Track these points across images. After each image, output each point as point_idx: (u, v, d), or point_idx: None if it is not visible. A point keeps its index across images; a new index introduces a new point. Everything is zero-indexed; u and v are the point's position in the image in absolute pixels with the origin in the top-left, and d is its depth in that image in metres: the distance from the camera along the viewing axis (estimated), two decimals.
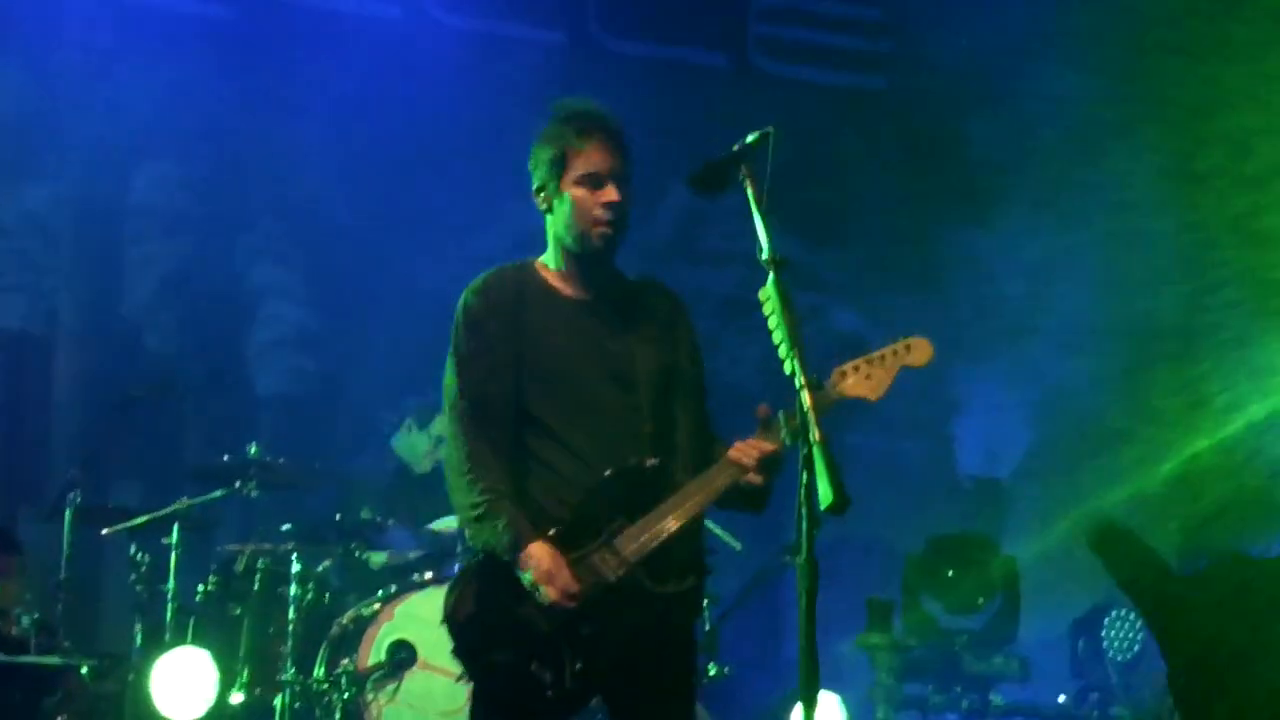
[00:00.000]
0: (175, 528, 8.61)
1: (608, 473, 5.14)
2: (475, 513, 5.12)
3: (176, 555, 8.63)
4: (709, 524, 8.26)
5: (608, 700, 5.26)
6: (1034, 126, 11.49)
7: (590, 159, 5.24)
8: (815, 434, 4.28)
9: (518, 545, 5.05)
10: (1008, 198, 11.38)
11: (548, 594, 5.02)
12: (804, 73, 11.65)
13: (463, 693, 7.18)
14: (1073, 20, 11.40)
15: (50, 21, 9.84)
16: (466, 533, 5.25)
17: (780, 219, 4.64)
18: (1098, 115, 11.55)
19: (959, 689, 9.37)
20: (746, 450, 5.10)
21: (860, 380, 5.27)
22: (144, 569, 8.67)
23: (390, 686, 7.76)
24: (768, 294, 4.56)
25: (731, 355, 9.44)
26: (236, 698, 8.38)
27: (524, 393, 5.22)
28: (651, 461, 5.18)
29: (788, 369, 4.42)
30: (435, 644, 7.77)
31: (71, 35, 9.85)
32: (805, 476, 4.27)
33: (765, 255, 4.59)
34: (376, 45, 10.34)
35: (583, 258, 5.29)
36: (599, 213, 5.22)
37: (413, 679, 7.82)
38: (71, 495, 8.65)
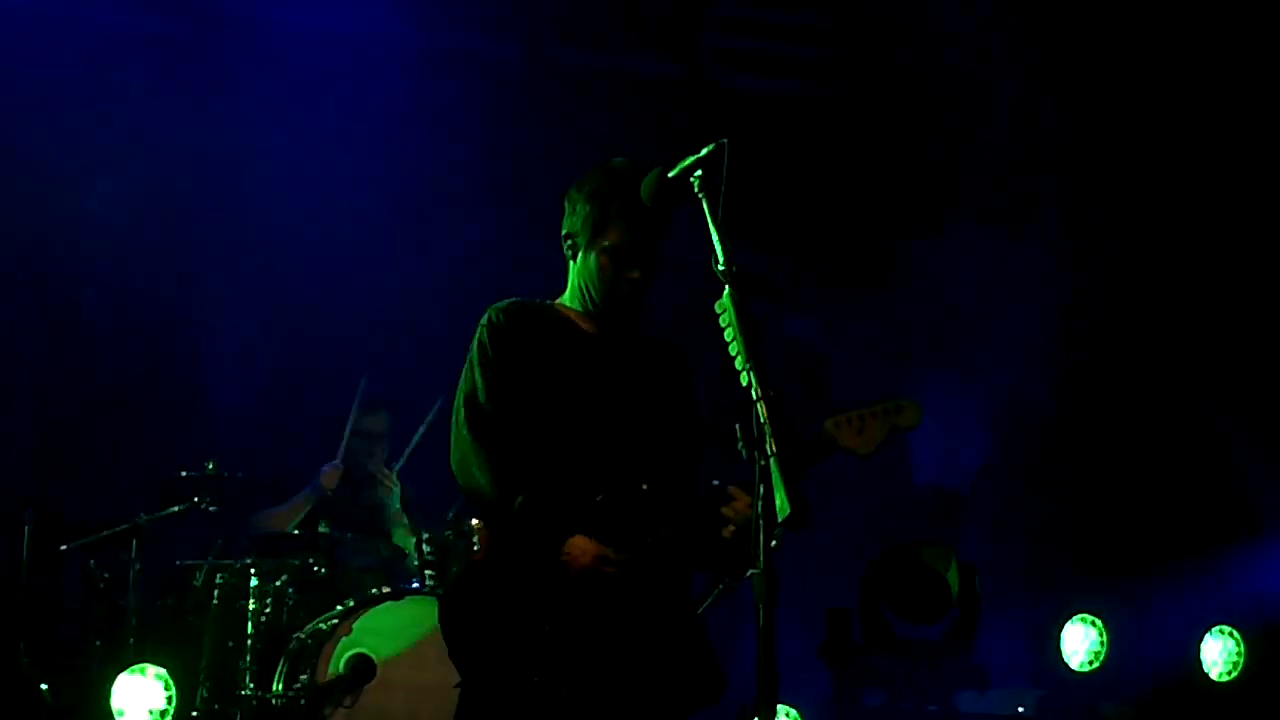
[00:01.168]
0: (134, 543, 8.60)
1: (600, 497, 5.23)
2: (511, 512, 5.18)
3: (135, 570, 8.62)
4: None
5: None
6: (987, 135, 11.54)
7: (625, 235, 5.35)
8: (772, 446, 4.30)
9: (562, 537, 5.14)
10: (961, 207, 11.43)
11: (607, 571, 5.10)
12: (758, 83, 11.66)
13: (423, 707, 7.23)
14: (1025, 31, 11.46)
15: (1, 38, 9.80)
16: (500, 529, 5.30)
17: (734, 228, 4.66)
18: (1049, 124, 11.61)
19: (919, 698, 9.39)
20: (740, 509, 5.14)
21: (853, 434, 5.32)
22: (102, 584, 8.66)
23: (349, 700, 7.75)
24: (724, 306, 4.57)
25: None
26: (195, 713, 8.38)
27: (534, 415, 5.31)
28: (644, 488, 5.27)
29: (744, 381, 4.43)
30: (394, 658, 7.83)
31: (25, 50, 9.79)
32: (762, 489, 4.30)
33: (721, 267, 4.61)
34: (327, 59, 10.32)
35: (601, 309, 5.43)
36: (620, 286, 5.38)
37: (371, 693, 7.82)
38: (29, 511, 8.63)
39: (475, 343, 5.39)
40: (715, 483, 5.31)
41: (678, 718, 5.34)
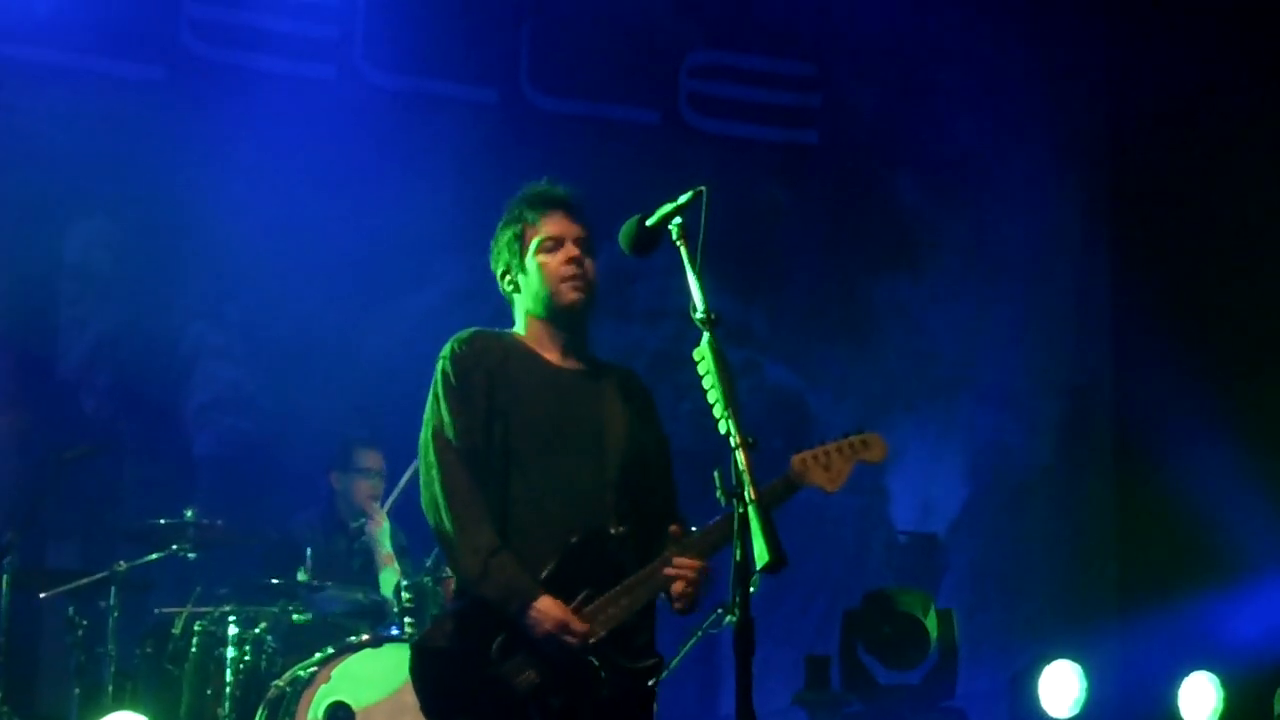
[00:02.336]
0: (113, 590, 8.58)
1: (574, 539, 5.22)
2: (477, 566, 5.15)
3: (114, 618, 8.60)
4: None
5: None
6: (962, 180, 11.59)
7: (548, 228, 5.39)
8: (750, 493, 4.32)
9: (528, 598, 5.10)
10: (937, 251, 11.47)
11: (567, 641, 5.07)
12: (735, 128, 11.69)
13: None
14: (998, 76, 11.53)
15: None
16: (466, 582, 5.27)
17: (712, 274, 4.68)
18: (1024, 169, 11.68)
19: None
20: (683, 568, 5.19)
21: (819, 470, 5.42)
22: (81, 631, 8.62)
23: None
24: (702, 353, 4.60)
25: (666, 412, 9.45)
26: None
27: (500, 448, 5.29)
28: (618, 529, 5.27)
29: (723, 428, 4.45)
30: (372, 706, 7.81)
31: (2, 98, 9.80)
32: (740, 536, 4.31)
33: (700, 314, 4.63)
34: (309, 105, 10.34)
35: (557, 321, 5.42)
36: (564, 270, 5.36)
37: None
38: (6, 559, 8.60)
39: (439, 373, 5.35)
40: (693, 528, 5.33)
41: None
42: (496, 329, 5.51)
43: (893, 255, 11.52)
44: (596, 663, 5.14)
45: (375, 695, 7.83)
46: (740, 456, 4.38)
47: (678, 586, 5.19)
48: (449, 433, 5.27)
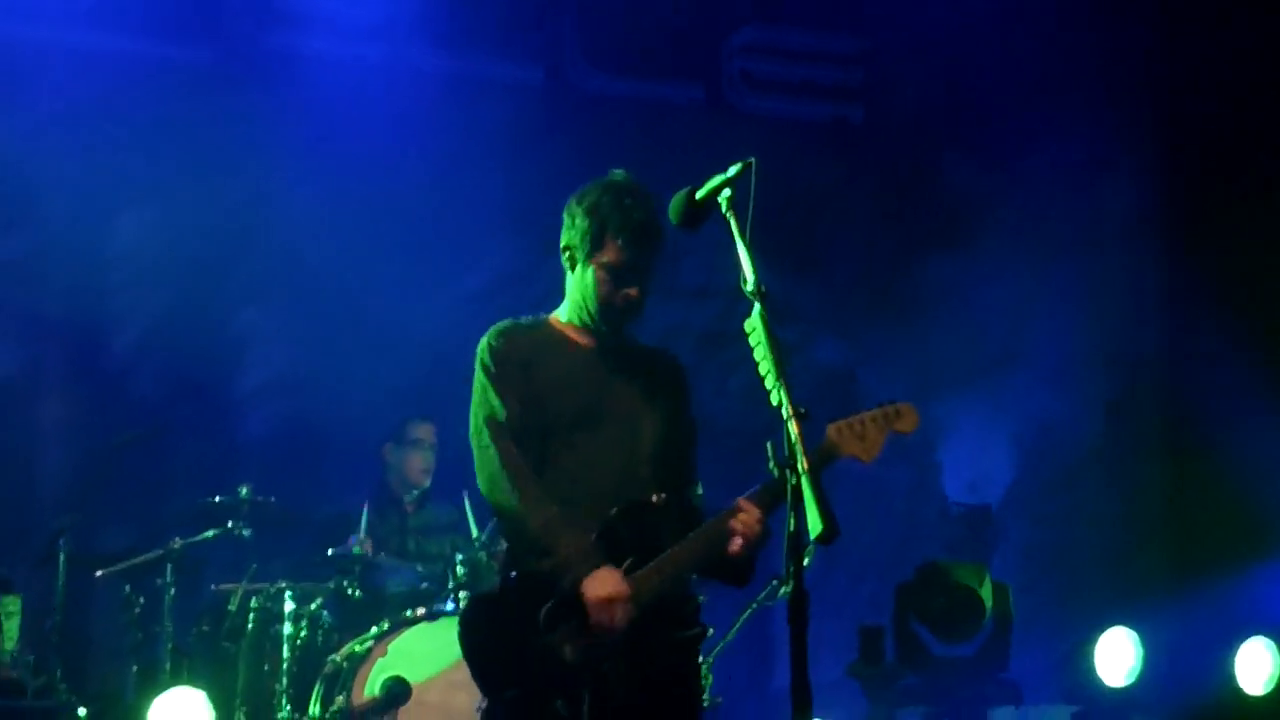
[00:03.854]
0: (169, 569, 8.64)
1: (615, 510, 5.25)
2: (548, 535, 5.19)
3: (170, 596, 8.66)
4: None
5: None
6: (1013, 157, 11.54)
7: (622, 252, 5.38)
8: (803, 464, 4.32)
9: (593, 563, 5.14)
10: (987, 228, 11.43)
11: (618, 614, 5.09)
12: (781, 106, 11.69)
13: None
14: (1051, 53, 11.47)
15: (28, 69, 9.84)
16: (530, 552, 5.29)
17: (760, 252, 4.68)
18: (1078, 146, 11.62)
19: (954, 716, 9.38)
20: (749, 516, 5.20)
21: (854, 440, 5.39)
22: (138, 610, 8.69)
23: None
24: (753, 325, 4.59)
25: (714, 388, 9.46)
26: None
27: (538, 430, 5.36)
28: (659, 498, 5.32)
29: (774, 399, 4.44)
30: (429, 680, 7.85)
31: (52, 82, 9.84)
32: (794, 506, 4.32)
33: (750, 287, 4.63)
34: (357, 86, 10.37)
35: (597, 323, 5.47)
36: (616, 301, 5.42)
37: (406, 715, 7.84)
38: (63, 540, 8.67)
39: (480, 367, 5.42)
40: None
41: None
42: (529, 318, 5.58)
43: (942, 232, 11.48)
44: (646, 632, 5.16)
45: (432, 669, 7.86)
46: (792, 427, 4.37)
47: (736, 543, 5.20)
48: (501, 416, 5.34)
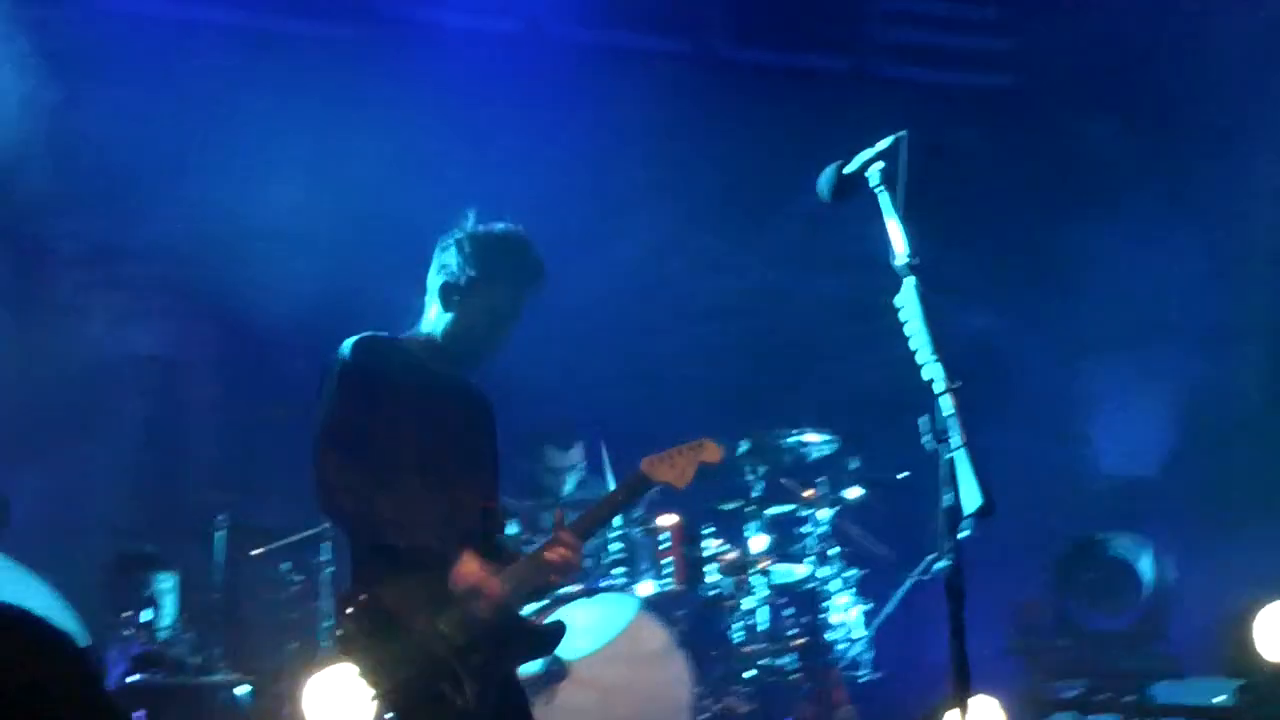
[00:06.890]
0: (328, 546, 8.72)
1: (462, 515, 5.68)
2: (402, 522, 5.48)
3: (328, 574, 8.74)
4: (858, 532, 8.34)
5: None
6: (1161, 124, 11.38)
7: (502, 299, 5.90)
8: (960, 437, 4.28)
9: (456, 552, 5.49)
10: (1136, 194, 11.28)
11: (487, 594, 5.45)
12: (925, 74, 11.61)
13: (614, 705, 7.27)
14: (1201, 20, 11.29)
15: (175, 48, 9.94)
16: (390, 537, 5.51)
17: (909, 221, 4.63)
18: (1227, 112, 11.43)
19: (1114, 690, 9.28)
20: (565, 555, 5.68)
21: (667, 468, 5.96)
22: (296, 588, 8.78)
23: (543, 698, 7.82)
24: (905, 299, 4.55)
25: (857, 361, 9.41)
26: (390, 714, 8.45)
27: (393, 444, 5.64)
28: (489, 505, 5.79)
29: (926, 374, 4.40)
30: (586, 657, 7.88)
31: (197, 61, 9.93)
32: (951, 481, 4.28)
33: (902, 260, 4.58)
34: (500, 60, 10.39)
35: (456, 355, 5.90)
36: (488, 346, 5.95)
37: (564, 691, 7.90)
38: (221, 518, 8.76)
39: (335, 377, 5.70)
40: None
41: None
42: (387, 335, 5.91)
43: (1090, 199, 11.35)
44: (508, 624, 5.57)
45: (589, 646, 7.90)
46: (948, 400, 4.33)
47: (554, 578, 5.72)
48: (348, 425, 5.63)
